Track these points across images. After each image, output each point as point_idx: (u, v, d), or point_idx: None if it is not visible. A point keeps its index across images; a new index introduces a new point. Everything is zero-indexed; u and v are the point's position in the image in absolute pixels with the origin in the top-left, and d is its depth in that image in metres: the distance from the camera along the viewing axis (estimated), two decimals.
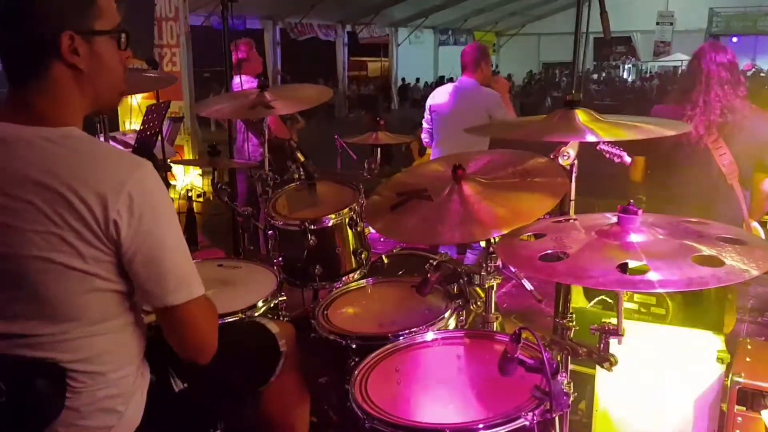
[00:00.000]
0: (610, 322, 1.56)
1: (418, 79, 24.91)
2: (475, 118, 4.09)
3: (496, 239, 1.81)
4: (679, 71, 21.67)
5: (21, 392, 1.35)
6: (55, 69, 1.33)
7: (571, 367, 1.93)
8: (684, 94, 3.03)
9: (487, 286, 1.96)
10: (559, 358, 1.73)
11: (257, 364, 1.88)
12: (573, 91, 1.94)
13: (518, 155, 2.05)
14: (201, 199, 6.83)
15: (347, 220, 2.54)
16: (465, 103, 4.27)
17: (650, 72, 28.80)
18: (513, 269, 1.90)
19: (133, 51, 1.48)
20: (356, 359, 1.88)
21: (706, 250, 1.36)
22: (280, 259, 2.60)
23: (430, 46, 25.20)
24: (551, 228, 1.66)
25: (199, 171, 7.14)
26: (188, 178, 7.15)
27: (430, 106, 4.46)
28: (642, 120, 1.93)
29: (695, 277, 1.27)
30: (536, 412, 1.39)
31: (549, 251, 1.49)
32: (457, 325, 2.05)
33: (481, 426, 1.39)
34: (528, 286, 1.95)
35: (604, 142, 2.84)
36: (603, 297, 3.12)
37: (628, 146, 3.09)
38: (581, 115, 1.84)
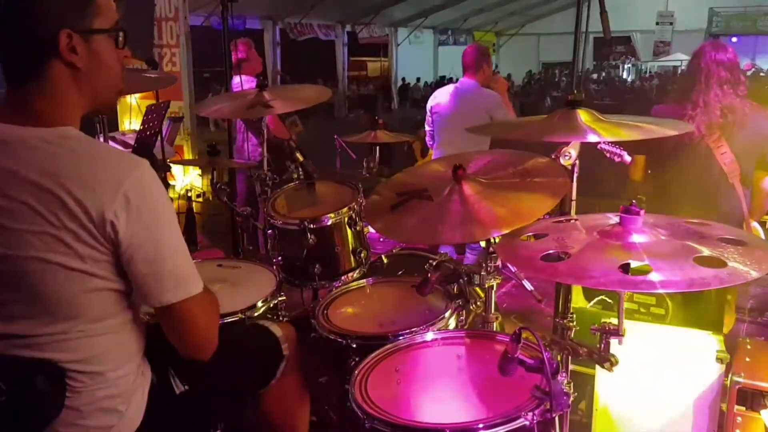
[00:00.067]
0: (610, 322, 1.56)
1: (418, 79, 24.91)
2: (476, 119, 4.08)
3: (497, 239, 1.81)
4: (679, 71, 21.70)
5: (21, 392, 1.35)
6: (53, 68, 1.33)
7: (571, 367, 1.94)
8: (684, 94, 3.03)
9: (487, 286, 1.96)
10: (559, 358, 1.74)
11: (259, 366, 1.88)
12: (574, 91, 1.94)
13: (519, 155, 2.04)
14: (200, 199, 6.83)
15: (346, 219, 2.54)
16: (466, 105, 4.27)
17: (650, 72, 28.83)
18: (513, 269, 1.90)
19: (132, 51, 1.48)
20: (356, 359, 1.88)
21: (708, 251, 1.36)
22: (280, 258, 2.60)
23: (429, 46, 25.20)
24: (552, 228, 1.66)
25: (199, 171, 7.14)
26: (187, 178, 7.15)
27: (431, 107, 4.45)
28: (643, 120, 1.93)
29: (697, 278, 1.27)
30: (536, 412, 1.39)
31: (550, 251, 1.49)
32: (457, 325, 2.05)
33: (481, 426, 1.38)
34: (528, 286, 1.95)
35: (604, 142, 2.84)
36: (603, 297, 3.12)
37: (628, 145, 3.08)
38: (583, 115, 1.84)
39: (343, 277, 2.55)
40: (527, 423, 1.38)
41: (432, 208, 1.94)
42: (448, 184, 1.96)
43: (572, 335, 1.73)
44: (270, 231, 2.65)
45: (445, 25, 24.29)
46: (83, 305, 1.35)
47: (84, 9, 1.34)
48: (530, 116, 2.22)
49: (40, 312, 1.33)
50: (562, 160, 1.89)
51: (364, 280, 2.45)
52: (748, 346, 2.27)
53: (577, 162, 1.92)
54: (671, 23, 25.59)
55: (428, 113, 4.49)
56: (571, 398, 1.45)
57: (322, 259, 2.52)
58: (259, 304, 2.22)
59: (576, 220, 1.71)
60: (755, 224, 3.10)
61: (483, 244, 1.95)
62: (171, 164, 5.01)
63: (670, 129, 1.84)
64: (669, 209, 2.70)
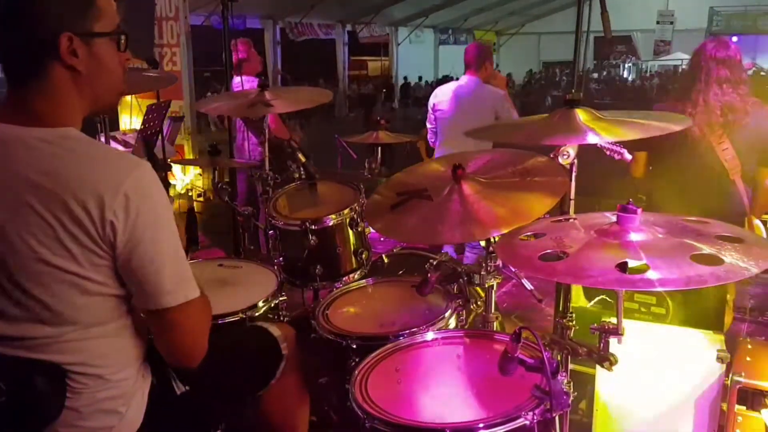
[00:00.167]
0: (610, 322, 1.56)
1: (420, 78, 24.89)
2: (482, 116, 4.10)
3: (496, 239, 1.81)
4: (680, 70, 21.68)
5: (21, 392, 1.35)
6: (53, 70, 1.33)
7: (571, 366, 1.94)
8: (684, 93, 3.02)
9: (487, 285, 1.96)
10: (559, 358, 1.74)
11: (258, 366, 1.88)
12: (573, 90, 1.93)
13: (518, 155, 2.05)
14: (201, 199, 6.83)
15: (348, 220, 2.54)
16: (471, 102, 4.26)
17: (650, 71, 28.78)
18: (513, 269, 1.90)
19: (133, 51, 1.48)
20: (356, 359, 1.88)
21: (706, 249, 1.36)
22: (281, 258, 2.60)
23: (430, 45, 25.18)
24: (551, 227, 1.66)
25: (199, 171, 7.15)
26: (187, 178, 7.15)
27: (433, 105, 4.43)
28: (644, 115, 1.92)
29: (694, 276, 1.27)
30: (536, 411, 1.39)
31: (549, 251, 1.49)
32: (457, 324, 2.05)
33: (481, 425, 1.39)
34: (528, 285, 1.95)
35: (604, 143, 2.83)
36: (603, 297, 3.12)
37: (629, 143, 3.08)
38: (582, 115, 1.84)
39: (344, 278, 2.56)
40: (527, 422, 1.38)
41: (432, 207, 1.94)
42: (448, 183, 1.96)
43: (572, 335, 1.73)
44: (271, 231, 2.65)
45: (445, 25, 24.28)
46: (82, 309, 1.35)
47: (85, 12, 1.34)
48: (530, 116, 2.21)
49: (38, 315, 1.33)
50: (560, 159, 1.89)
51: (365, 280, 2.45)
52: (749, 346, 2.27)
53: (576, 161, 1.91)
54: (672, 22, 25.55)
55: (430, 111, 4.47)
56: (571, 398, 1.45)
57: (324, 259, 2.52)
58: (260, 304, 2.23)
59: (574, 219, 1.71)
60: (757, 222, 3.09)
61: (483, 243, 1.95)
62: (172, 164, 5.02)
63: (671, 124, 1.82)
64: (670, 206, 2.70)
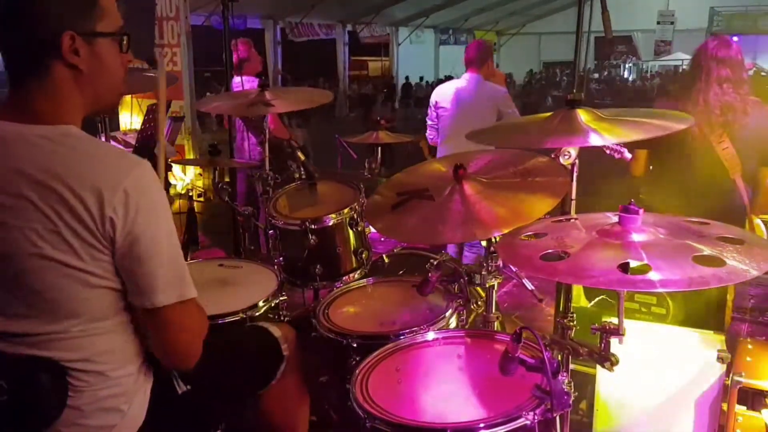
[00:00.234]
0: (610, 322, 1.56)
1: (422, 78, 24.89)
2: (484, 114, 4.10)
3: (497, 239, 1.81)
4: (680, 70, 21.67)
5: (22, 391, 1.35)
6: (55, 69, 1.34)
7: (571, 366, 1.94)
8: (685, 91, 3.02)
9: (487, 285, 1.96)
10: (560, 358, 1.74)
11: (259, 366, 1.88)
12: (574, 91, 1.93)
13: (519, 155, 2.04)
14: (201, 199, 6.83)
15: (348, 219, 2.54)
16: (474, 100, 4.26)
17: (651, 71, 28.77)
18: (514, 269, 1.90)
19: (133, 51, 1.48)
20: (357, 358, 1.88)
21: (707, 250, 1.36)
22: (281, 258, 2.60)
23: (430, 45, 25.17)
24: (552, 227, 1.66)
25: (199, 170, 7.15)
26: (187, 178, 7.16)
27: (435, 102, 4.42)
28: (646, 114, 1.91)
29: (696, 277, 1.27)
30: (537, 411, 1.39)
31: (550, 251, 1.49)
32: (457, 324, 2.05)
33: (482, 425, 1.39)
34: (529, 285, 1.95)
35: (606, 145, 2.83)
36: (604, 297, 3.12)
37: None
38: (583, 115, 1.84)
39: (344, 278, 2.56)
40: (528, 422, 1.38)
41: (433, 207, 1.94)
42: (449, 183, 1.96)
43: (573, 335, 1.73)
44: (271, 231, 2.66)
45: (446, 25, 24.27)
46: (83, 304, 1.35)
47: (88, 12, 1.34)
48: (531, 115, 2.20)
49: (40, 310, 1.34)
50: (561, 159, 1.89)
51: (365, 280, 2.45)
52: (749, 346, 2.27)
53: (577, 161, 1.91)
54: (672, 22, 25.54)
55: (432, 108, 4.47)
56: (572, 398, 1.45)
57: (324, 259, 2.52)
58: (261, 303, 2.23)
59: (576, 219, 1.71)
60: (758, 221, 3.09)
61: (484, 243, 1.95)
62: (172, 164, 5.02)
63: (674, 123, 1.82)
64: (670, 205, 2.70)
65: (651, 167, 3.22)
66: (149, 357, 1.54)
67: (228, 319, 2.11)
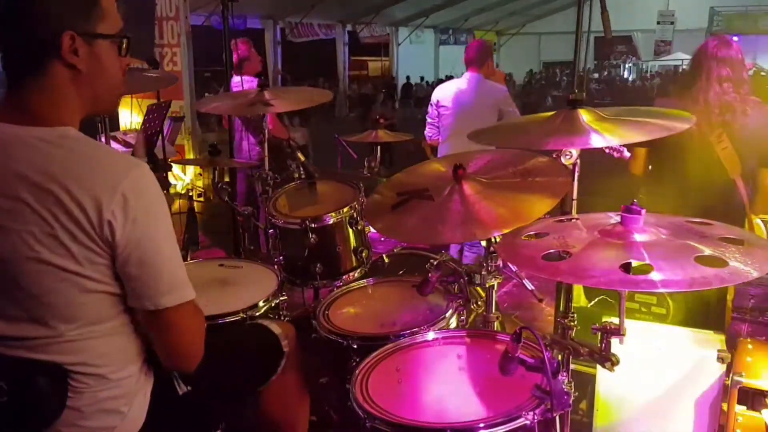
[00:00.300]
0: (611, 322, 1.56)
1: (422, 78, 24.88)
2: (485, 113, 4.12)
3: (497, 239, 1.81)
4: (680, 70, 21.68)
5: (22, 392, 1.35)
6: (54, 68, 1.33)
7: (572, 366, 1.93)
8: (685, 90, 3.02)
9: (487, 285, 1.96)
10: (560, 358, 1.73)
11: (259, 363, 1.88)
12: (575, 90, 1.92)
13: (519, 155, 2.04)
14: (201, 199, 6.83)
15: (348, 218, 2.54)
16: (474, 99, 4.28)
17: (651, 71, 28.77)
18: (514, 269, 1.90)
19: (133, 51, 1.48)
20: (357, 359, 1.88)
21: (709, 251, 1.36)
22: (281, 258, 2.60)
23: (430, 45, 25.17)
24: (554, 227, 1.65)
25: (199, 170, 7.15)
26: (187, 178, 7.16)
27: (437, 101, 4.44)
28: (648, 114, 1.91)
29: (698, 278, 1.27)
30: (537, 411, 1.39)
31: (551, 250, 1.49)
32: (458, 324, 2.05)
33: (482, 425, 1.39)
34: (529, 285, 1.95)
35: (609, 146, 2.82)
36: (604, 296, 3.12)
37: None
38: (585, 115, 1.83)
39: (344, 277, 2.56)
40: (528, 422, 1.38)
41: (432, 207, 1.94)
42: (449, 183, 1.96)
43: (573, 334, 1.72)
44: (271, 230, 2.66)
45: (446, 25, 24.26)
46: (80, 308, 1.35)
47: (88, 12, 1.34)
48: (532, 115, 2.20)
49: (38, 314, 1.33)
50: (563, 159, 1.88)
51: (365, 280, 2.45)
52: (750, 346, 2.27)
53: (578, 161, 1.91)
54: (672, 22, 25.55)
55: (433, 107, 4.48)
56: (572, 398, 1.45)
57: (324, 258, 2.52)
58: (261, 303, 2.22)
59: (577, 219, 1.71)
60: (758, 221, 3.09)
61: (483, 243, 1.95)
62: (172, 163, 5.03)
63: (676, 123, 1.82)
64: (670, 205, 2.69)
65: (650, 167, 3.22)
66: (149, 358, 1.54)
67: (228, 319, 2.11)
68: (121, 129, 6.39)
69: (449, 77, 21.54)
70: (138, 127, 5.21)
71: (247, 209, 3.00)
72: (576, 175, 1.93)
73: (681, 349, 2.25)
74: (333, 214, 2.51)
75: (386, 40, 22.40)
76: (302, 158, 2.85)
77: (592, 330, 1.57)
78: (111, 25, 1.38)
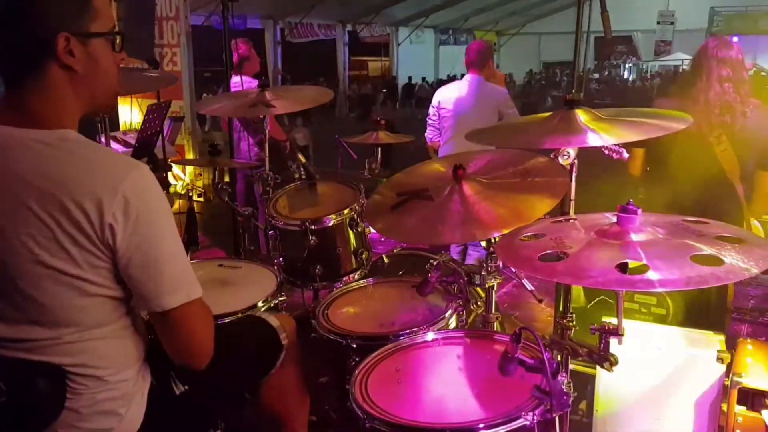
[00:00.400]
0: (610, 322, 1.56)
1: (423, 78, 24.86)
2: (485, 114, 4.13)
3: (497, 239, 1.81)
4: (680, 70, 21.66)
5: (21, 393, 1.35)
6: (50, 70, 1.33)
7: (571, 366, 1.93)
8: (685, 91, 3.02)
9: (487, 286, 1.96)
10: (559, 358, 1.73)
11: (258, 357, 1.88)
12: (573, 91, 1.93)
13: (519, 155, 2.04)
14: (201, 199, 6.83)
15: (348, 220, 2.55)
16: (475, 101, 4.29)
17: (651, 71, 28.76)
18: (513, 269, 1.90)
19: (133, 51, 1.48)
20: (356, 359, 1.88)
21: (706, 249, 1.36)
22: (281, 259, 2.60)
23: (430, 45, 25.17)
24: (551, 228, 1.66)
25: (198, 170, 7.15)
26: (187, 178, 7.16)
27: (438, 103, 4.45)
28: (645, 114, 1.91)
29: (694, 276, 1.27)
30: (536, 411, 1.39)
31: (548, 251, 1.49)
32: (457, 325, 2.05)
33: (481, 426, 1.39)
34: (528, 286, 1.95)
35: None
36: (602, 297, 3.12)
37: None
38: (582, 115, 1.84)
39: (344, 279, 2.56)
40: (527, 423, 1.38)
41: (432, 208, 1.94)
42: (449, 184, 1.96)
43: (572, 335, 1.72)
44: (271, 231, 2.66)
45: (446, 25, 24.26)
46: (80, 311, 1.35)
47: (82, 12, 1.34)
48: (531, 115, 2.21)
49: (38, 317, 1.33)
50: (560, 160, 1.88)
51: (365, 280, 2.45)
52: (749, 347, 2.27)
53: (576, 161, 1.91)
54: (672, 23, 25.53)
55: (434, 109, 4.50)
56: (572, 398, 1.45)
57: (323, 259, 2.53)
58: (260, 304, 2.23)
59: (575, 219, 1.71)
60: (756, 222, 3.09)
61: (483, 244, 1.95)
62: (172, 164, 5.03)
63: (673, 123, 1.82)
64: (668, 205, 2.70)
65: (648, 168, 3.22)
66: (148, 358, 1.54)
67: (227, 320, 2.11)
68: (121, 129, 6.40)
69: (449, 77, 21.60)
70: (138, 126, 5.20)
71: (247, 210, 3.00)
72: (574, 175, 1.93)
73: (680, 349, 2.25)
74: (333, 216, 2.51)
75: (386, 40, 22.41)
76: (303, 159, 2.85)
77: (591, 330, 1.58)
78: (104, 23, 1.38)
